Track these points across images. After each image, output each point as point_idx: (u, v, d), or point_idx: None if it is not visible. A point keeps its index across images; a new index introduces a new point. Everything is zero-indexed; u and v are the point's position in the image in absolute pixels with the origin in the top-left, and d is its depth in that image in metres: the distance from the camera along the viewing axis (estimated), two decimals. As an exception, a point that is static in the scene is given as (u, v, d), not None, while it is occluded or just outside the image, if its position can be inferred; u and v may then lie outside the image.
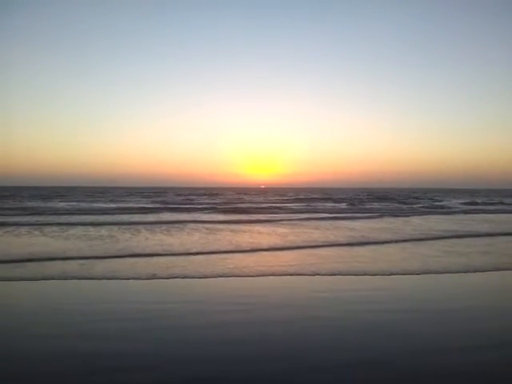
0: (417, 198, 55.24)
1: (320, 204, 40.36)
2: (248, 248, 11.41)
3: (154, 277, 7.65)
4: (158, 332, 4.76)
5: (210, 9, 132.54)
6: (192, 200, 47.00)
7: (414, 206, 37.34)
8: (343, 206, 38.05)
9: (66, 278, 7.48)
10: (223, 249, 11.21)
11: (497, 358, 4.09)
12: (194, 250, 10.78)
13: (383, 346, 4.37)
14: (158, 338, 4.55)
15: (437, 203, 42.85)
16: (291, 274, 8.01)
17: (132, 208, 30.75)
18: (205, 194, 67.81)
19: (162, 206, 32.81)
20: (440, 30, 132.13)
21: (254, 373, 3.69)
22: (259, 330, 4.87)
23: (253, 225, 18.93)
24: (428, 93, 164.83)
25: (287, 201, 47.34)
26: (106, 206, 34.94)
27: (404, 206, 36.58)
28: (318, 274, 7.96)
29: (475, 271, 8.53)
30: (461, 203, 43.46)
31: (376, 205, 39.25)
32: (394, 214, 26.92)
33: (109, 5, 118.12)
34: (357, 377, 3.64)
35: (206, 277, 7.72)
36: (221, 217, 23.59)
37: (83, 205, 35.90)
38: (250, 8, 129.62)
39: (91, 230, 15.52)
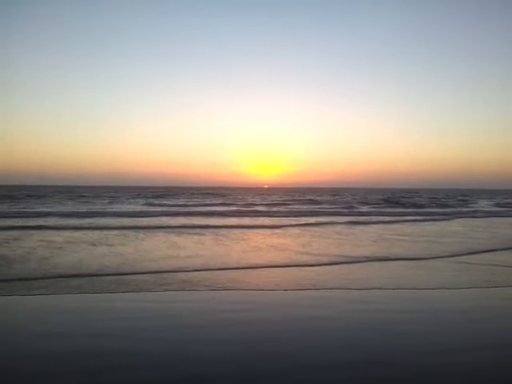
0: (436, 198, 52.52)
1: (344, 206, 37.52)
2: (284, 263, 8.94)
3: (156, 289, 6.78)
4: (160, 331, 4.73)
5: (212, 6, 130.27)
6: (208, 201, 44.22)
7: (449, 209, 34.56)
8: (369, 208, 35.24)
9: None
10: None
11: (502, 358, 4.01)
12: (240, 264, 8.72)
13: (387, 345, 4.32)
14: (159, 337, 4.53)
15: (472, 205, 39.97)
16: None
17: (154, 212, 27.92)
18: (217, 195, 65.05)
19: (184, 211, 29.90)
20: (441, 27, 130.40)
21: (257, 371, 3.66)
22: (262, 330, 4.87)
23: (282, 230, 16.09)
24: (431, 89, 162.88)
25: (310, 202, 44.46)
26: (137, 208, 32.10)
27: (438, 209, 33.86)
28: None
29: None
30: (493, 205, 40.83)
31: (402, 206, 36.50)
32: (435, 218, 24.22)
33: (110, 3, 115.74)
34: (360, 375, 3.59)
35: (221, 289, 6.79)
36: (246, 221, 20.84)
37: (97, 206, 33.07)
38: (251, 7, 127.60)
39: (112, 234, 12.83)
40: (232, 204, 37.95)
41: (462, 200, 49.36)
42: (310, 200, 47.63)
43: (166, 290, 6.57)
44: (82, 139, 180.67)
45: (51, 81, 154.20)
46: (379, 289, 6.79)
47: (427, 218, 23.91)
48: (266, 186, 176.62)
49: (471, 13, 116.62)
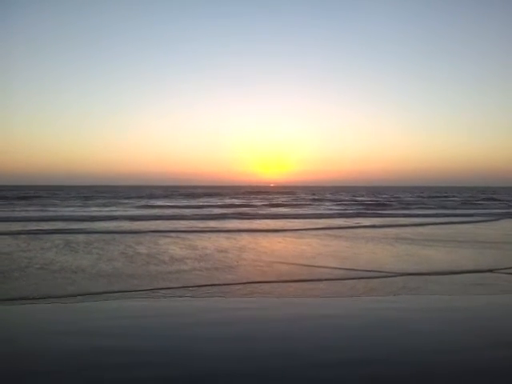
0: (464, 197, 50.46)
1: (372, 205, 35.48)
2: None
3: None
4: (167, 329, 4.71)
5: (214, 7, 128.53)
6: (220, 202, 42.24)
7: (495, 210, 32.50)
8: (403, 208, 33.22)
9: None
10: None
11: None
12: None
13: (397, 344, 4.27)
14: (166, 335, 4.51)
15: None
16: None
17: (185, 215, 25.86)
18: (228, 195, 63.04)
19: (205, 213, 27.82)
20: (444, 24, 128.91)
21: (265, 369, 3.64)
22: (270, 327, 4.81)
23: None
24: (432, 87, 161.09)
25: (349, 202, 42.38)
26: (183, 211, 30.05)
27: (483, 210, 31.85)
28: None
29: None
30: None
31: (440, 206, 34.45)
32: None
33: (112, 3, 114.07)
34: (370, 374, 3.57)
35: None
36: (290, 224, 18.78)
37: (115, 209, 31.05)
38: (257, 6, 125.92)
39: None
40: (249, 205, 35.67)
41: (493, 199, 47.25)
42: (341, 200, 45.60)
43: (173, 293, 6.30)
44: (85, 139, 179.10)
45: (54, 81, 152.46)
46: (389, 288, 6.60)
47: (476, 219, 21.95)
48: (272, 185, 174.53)
49: (475, 7, 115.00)
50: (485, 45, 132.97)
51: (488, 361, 3.84)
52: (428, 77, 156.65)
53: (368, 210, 30.09)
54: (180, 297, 6.12)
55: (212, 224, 18.60)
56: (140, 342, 4.26)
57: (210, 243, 12.03)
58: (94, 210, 27.28)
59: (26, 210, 26.54)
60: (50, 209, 28.51)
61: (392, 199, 47.91)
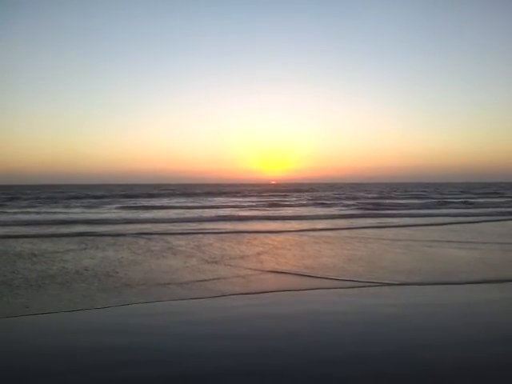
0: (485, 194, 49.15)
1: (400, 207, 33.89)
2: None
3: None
4: (176, 327, 4.71)
5: (215, 5, 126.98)
6: (225, 202, 40.63)
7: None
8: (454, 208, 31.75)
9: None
10: None
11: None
12: None
13: (394, 340, 4.28)
14: (174, 334, 4.51)
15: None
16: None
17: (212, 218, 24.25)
18: (233, 193, 61.43)
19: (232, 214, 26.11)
20: (445, 20, 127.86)
21: (266, 367, 3.63)
22: (271, 325, 4.82)
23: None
24: (433, 84, 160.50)
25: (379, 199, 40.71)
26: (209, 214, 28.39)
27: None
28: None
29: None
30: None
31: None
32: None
33: (111, 2, 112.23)
34: (369, 370, 3.55)
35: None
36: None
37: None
38: (257, 4, 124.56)
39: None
40: (259, 205, 33.56)
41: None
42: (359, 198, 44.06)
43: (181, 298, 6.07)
44: (87, 138, 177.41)
45: (55, 80, 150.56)
46: (390, 285, 6.71)
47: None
48: (273, 182, 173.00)
49: (475, 7, 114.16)
50: (487, 43, 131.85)
51: (489, 356, 3.82)
52: (430, 73, 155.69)
53: (401, 209, 28.61)
54: (185, 297, 6.07)
55: (254, 226, 17.06)
56: (145, 341, 4.27)
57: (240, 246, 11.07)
58: (93, 212, 25.53)
59: (38, 212, 24.84)
60: (66, 210, 26.87)
61: (411, 196, 46.53)
